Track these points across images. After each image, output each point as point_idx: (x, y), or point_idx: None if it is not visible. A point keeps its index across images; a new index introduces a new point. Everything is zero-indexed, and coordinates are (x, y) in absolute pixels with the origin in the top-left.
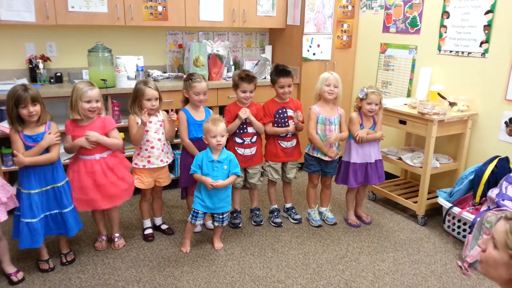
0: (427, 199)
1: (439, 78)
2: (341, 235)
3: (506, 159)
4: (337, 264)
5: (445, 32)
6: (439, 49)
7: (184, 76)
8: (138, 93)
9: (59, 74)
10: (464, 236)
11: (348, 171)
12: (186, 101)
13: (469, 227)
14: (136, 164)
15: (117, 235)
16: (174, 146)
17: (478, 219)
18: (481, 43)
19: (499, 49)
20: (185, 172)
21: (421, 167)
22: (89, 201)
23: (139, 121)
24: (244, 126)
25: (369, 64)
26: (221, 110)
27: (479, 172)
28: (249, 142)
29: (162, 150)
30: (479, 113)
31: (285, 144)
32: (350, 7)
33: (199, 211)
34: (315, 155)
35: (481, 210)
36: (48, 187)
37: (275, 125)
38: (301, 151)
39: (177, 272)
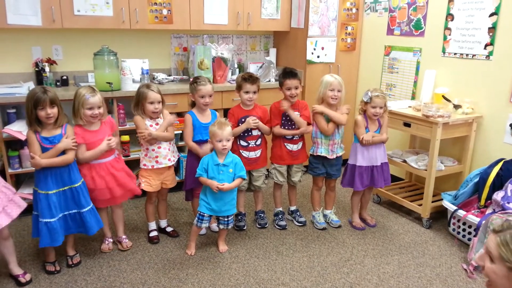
0: (432, 202)
1: (443, 80)
2: (346, 238)
3: (511, 161)
4: (341, 267)
5: (450, 35)
6: (444, 52)
7: (190, 79)
8: (141, 96)
9: (65, 77)
10: (469, 239)
11: (354, 174)
12: (193, 104)
13: (474, 230)
14: (144, 165)
15: (123, 236)
16: (179, 149)
17: (483, 222)
18: (486, 45)
19: (503, 51)
20: (191, 174)
21: (426, 170)
22: (101, 201)
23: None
24: (249, 129)
25: (373, 67)
26: (226, 112)
27: (484, 175)
28: (254, 145)
29: (169, 150)
30: (483, 116)
31: (291, 146)
32: (354, 10)
33: (205, 214)
34: (319, 153)
35: (486, 213)
36: (66, 188)
37: (282, 127)
38: (307, 154)
39: (182, 275)
